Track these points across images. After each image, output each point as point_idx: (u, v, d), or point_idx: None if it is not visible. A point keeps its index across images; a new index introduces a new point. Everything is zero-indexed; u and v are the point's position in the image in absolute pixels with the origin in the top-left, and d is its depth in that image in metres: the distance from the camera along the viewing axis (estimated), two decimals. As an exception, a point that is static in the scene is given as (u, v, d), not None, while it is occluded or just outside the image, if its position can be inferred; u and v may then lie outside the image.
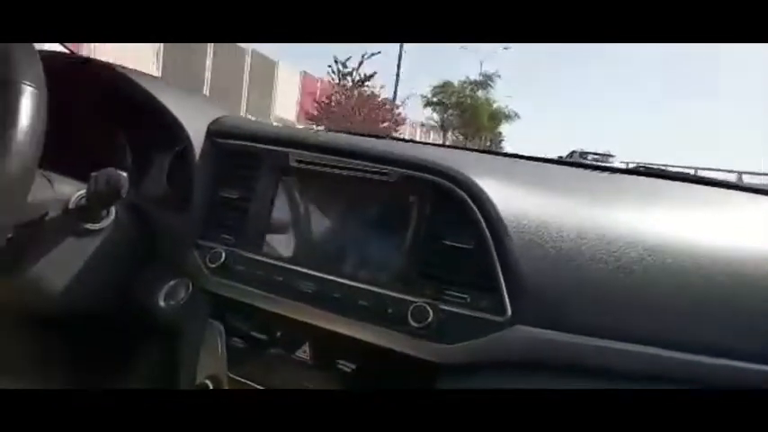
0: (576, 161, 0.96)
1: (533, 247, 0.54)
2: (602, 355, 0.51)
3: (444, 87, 23.15)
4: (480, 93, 23.83)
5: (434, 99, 23.09)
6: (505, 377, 0.53)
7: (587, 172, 0.85)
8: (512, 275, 0.54)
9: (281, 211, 0.70)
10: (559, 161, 0.93)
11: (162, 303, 0.73)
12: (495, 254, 0.54)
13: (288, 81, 12.89)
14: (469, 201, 0.57)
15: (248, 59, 11.22)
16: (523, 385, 0.53)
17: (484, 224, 0.56)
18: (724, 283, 0.52)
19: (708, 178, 0.99)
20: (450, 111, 23.46)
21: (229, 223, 0.72)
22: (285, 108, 12.65)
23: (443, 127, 23.30)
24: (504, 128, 26.79)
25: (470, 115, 23.14)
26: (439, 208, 0.60)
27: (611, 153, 17.22)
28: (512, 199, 0.58)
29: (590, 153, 16.28)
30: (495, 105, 24.51)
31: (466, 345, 0.53)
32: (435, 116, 23.38)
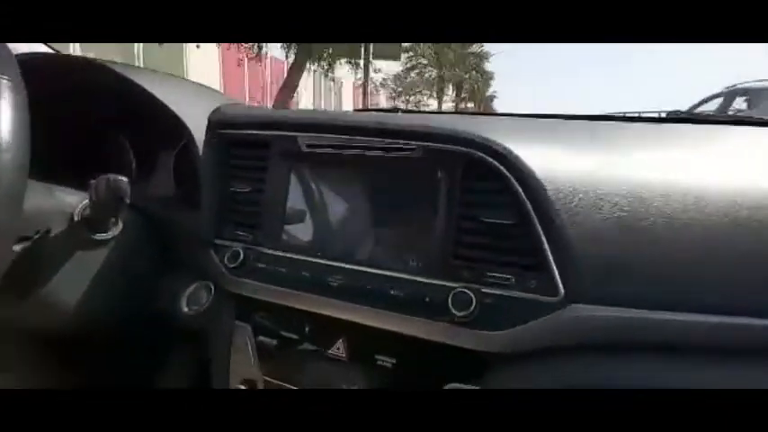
0: (620, 116, 0.86)
1: (584, 216, 0.48)
2: (669, 329, 0.46)
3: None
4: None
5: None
6: (563, 363, 0.49)
7: (635, 125, 0.76)
8: (562, 250, 0.48)
9: (297, 200, 0.65)
10: (603, 116, 0.84)
11: (185, 309, 0.69)
12: (539, 228, 0.49)
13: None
14: (505, 171, 0.51)
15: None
16: (581, 371, 0.49)
17: (524, 196, 0.50)
18: None
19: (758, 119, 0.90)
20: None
21: (244, 219, 0.67)
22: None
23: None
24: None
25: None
26: (472, 182, 0.54)
27: None
28: (554, 164, 0.52)
29: None
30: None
31: (515, 331, 0.48)
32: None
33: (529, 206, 0.49)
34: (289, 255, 0.63)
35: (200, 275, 0.70)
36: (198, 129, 0.70)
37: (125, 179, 0.56)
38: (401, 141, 0.58)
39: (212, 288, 0.69)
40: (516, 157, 0.51)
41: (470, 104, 21.07)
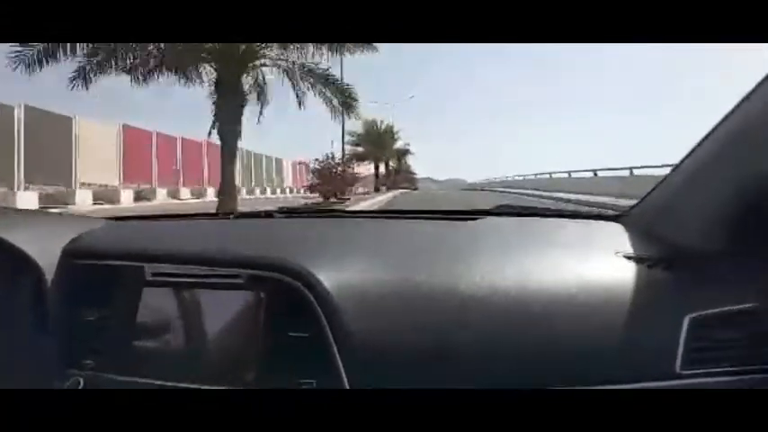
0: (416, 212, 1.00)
1: (366, 320, 0.61)
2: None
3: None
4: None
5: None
6: None
7: (425, 222, 0.93)
8: (346, 352, 0.60)
9: (143, 324, 0.71)
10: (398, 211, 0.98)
11: None
12: (330, 337, 0.60)
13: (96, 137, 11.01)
14: (305, 291, 0.63)
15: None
16: None
17: (320, 311, 0.62)
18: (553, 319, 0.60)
19: (537, 209, 1.08)
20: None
21: (91, 346, 0.71)
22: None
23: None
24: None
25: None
26: (283, 301, 0.66)
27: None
28: (345, 275, 0.65)
29: None
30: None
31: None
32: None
33: (322, 318, 0.62)
34: (131, 378, 0.68)
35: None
36: (50, 260, 0.75)
37: None
38: (230, 270, 0.68)
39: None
40: (314, 278, 0.64)
41: (381, 168, 30.10)
